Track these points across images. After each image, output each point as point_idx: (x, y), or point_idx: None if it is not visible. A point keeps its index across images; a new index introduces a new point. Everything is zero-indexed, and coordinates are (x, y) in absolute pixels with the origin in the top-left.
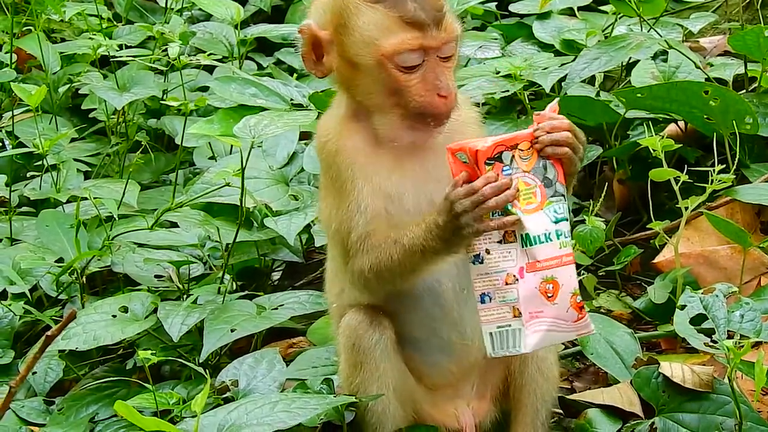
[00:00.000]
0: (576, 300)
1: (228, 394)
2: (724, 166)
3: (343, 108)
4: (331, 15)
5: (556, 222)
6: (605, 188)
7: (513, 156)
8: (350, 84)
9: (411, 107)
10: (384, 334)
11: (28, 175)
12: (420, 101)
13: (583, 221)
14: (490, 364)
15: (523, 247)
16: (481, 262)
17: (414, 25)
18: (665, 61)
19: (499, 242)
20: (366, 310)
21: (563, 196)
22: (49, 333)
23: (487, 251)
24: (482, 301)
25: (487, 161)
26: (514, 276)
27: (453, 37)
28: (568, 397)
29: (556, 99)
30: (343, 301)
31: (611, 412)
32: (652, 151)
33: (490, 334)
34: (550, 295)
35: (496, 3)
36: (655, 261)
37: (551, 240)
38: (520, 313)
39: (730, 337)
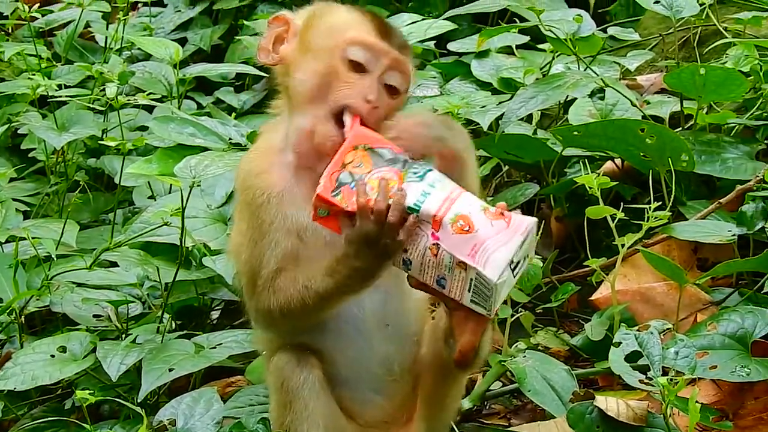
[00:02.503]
0: (490, 211)
1: None
2: (660, 203)
3: (271, 135)
4: (310, 10)
5: (421, 178)
6: (542, 226)
7: (349, 173)
8: (292, 71)
9: (332, 100)
10: (312, 373)
11: None
12: (342, 95)
13: None
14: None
15: (418, 218)
16: (411, 262)
17: (381, 31)
18: (602, 99)
19: None
20: (293, 349)
21: (407, 160)
22: None
23: (405, 250)
24: (443, 286)
25: (333, 194)
26: (434, 244)
27: (405, 69)
28: (506, 429)
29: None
30: (273, 343)
31: None
32: (588, 188)
33: (471, 301)
34: (467, 228)
35: (434, 41)
36: (592, 298)
37: (430, 193)
38: (465, 263)
39: (665, 373)
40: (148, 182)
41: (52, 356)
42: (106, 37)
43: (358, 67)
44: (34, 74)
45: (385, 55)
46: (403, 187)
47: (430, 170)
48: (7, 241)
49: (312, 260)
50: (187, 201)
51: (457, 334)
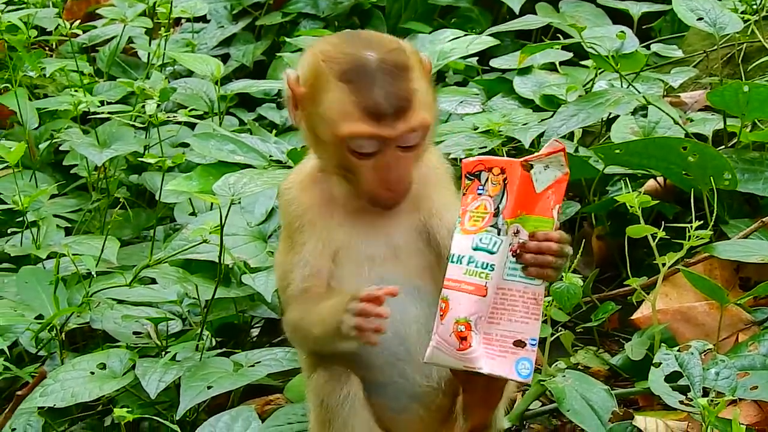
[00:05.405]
0: (458, 329)
1: None
2: (702, 222)
3: (312, 160)
4: (308, 78)
5: (475, 249)
6: (583, 244)
7: (488, 177)
8: (312, 145)
9: (359, 189)
10: (351, 390)
11: (9, 231)
12: (367, 189)
13: (560, 278)
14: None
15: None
16: None
17: (372, 114)
18: (645, 116)
19: None
20: (333, 366)
21: (499, 230)
22: (19, 392)
23: None
24: None
25: (468, 176)
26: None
27: (416, 127)
28: None
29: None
30: (312, 358)
31: None
32: (629, 207)
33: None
34: (441, 313)
35: (477, 58)
36: (633, 317)
37: (461, 263)
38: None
39: (706, 394)
40: (189, 199)
41: (92, 373)
42: (149, 54)
43: (367, 155)
44: (76, 90)
45: (385, 135)
46: (477, 209)
47: (490, 252)
48: (48, 258)
49: (343, 280)
50: (226, 218)
51: (469, 412)
